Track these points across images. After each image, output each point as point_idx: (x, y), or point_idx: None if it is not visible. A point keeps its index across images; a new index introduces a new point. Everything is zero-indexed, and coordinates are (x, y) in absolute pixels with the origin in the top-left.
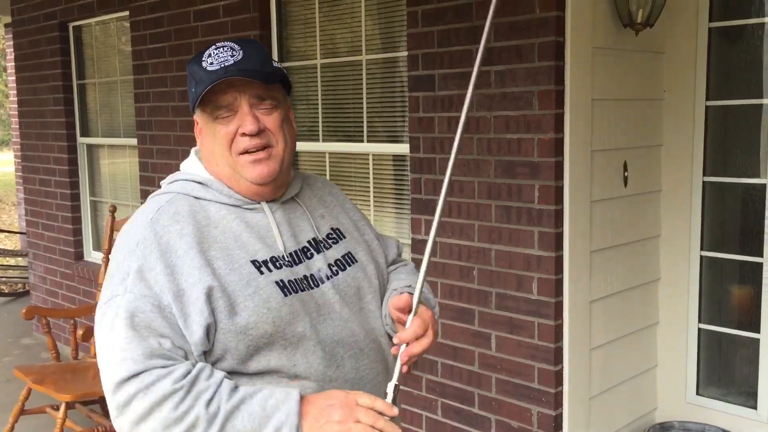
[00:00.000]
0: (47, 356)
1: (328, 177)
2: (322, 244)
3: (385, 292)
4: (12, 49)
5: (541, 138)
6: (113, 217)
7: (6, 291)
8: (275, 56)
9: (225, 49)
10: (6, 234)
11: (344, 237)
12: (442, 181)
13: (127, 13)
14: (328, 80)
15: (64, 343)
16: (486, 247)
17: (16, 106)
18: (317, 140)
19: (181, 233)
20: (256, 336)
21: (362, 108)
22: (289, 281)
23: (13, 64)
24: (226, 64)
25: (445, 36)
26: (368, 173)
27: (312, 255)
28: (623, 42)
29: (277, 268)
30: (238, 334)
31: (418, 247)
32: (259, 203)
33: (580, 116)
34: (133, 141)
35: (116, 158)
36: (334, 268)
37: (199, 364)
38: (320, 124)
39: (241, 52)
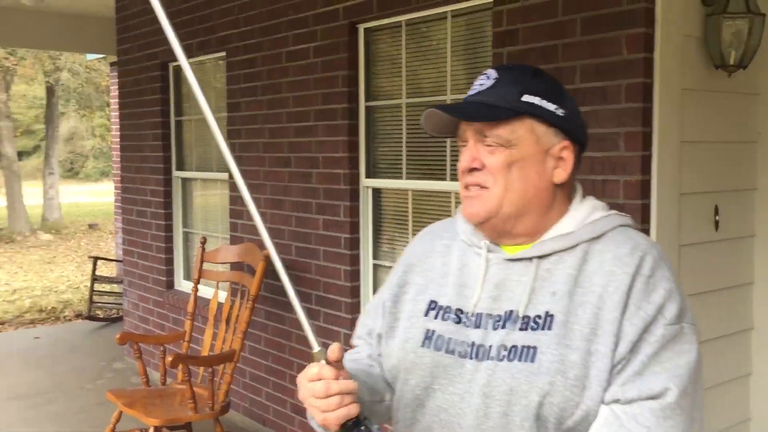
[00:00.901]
0: (137, 380)
1: (410, 214)
2: (517, 321)
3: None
4: (116, 86)
5: (627, 180)
6: (203, 249)
7: (101, 316)
8: (362, 95)
9: (483, 76)
10: (103, 261)
11: (551, 328)
12: None
13: (224, 53)
14: (413, 119)
15: (153, 369)
16: None
17: (118, 139)
18: (401, 178)
19: (413, 246)
20: (386, 366)
21: (446, 147)
22: (439, 336)
23: (117, 100)
24: (472, 92)
25: None
26: (450, 211)
27: (497, 327)
28: (715, 84)
29: (443, 319)
30: (384, 356)
31: None
32: (481, 248)
33: (667, 158)
34: (225, 175)
35: (208, 191)
36: (504, 353)
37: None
38: (404, 162)
39: (493, 80)
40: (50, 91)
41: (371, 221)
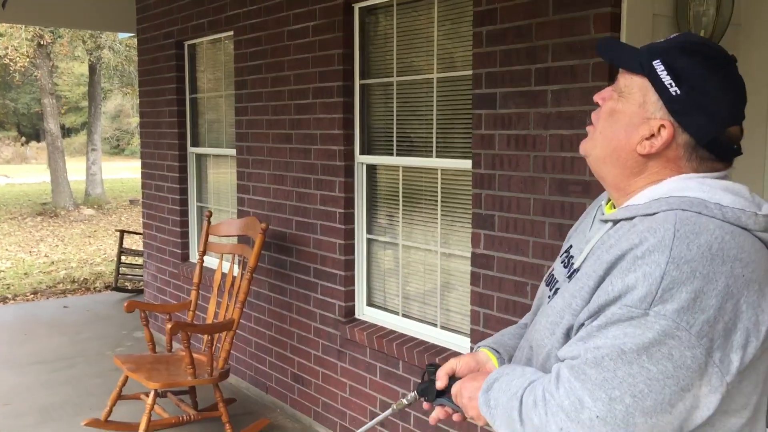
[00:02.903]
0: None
1: (401, 190)
2: (571, 270)
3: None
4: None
5: None
6: (209, 222)
7: (129, 287)
8: (357, 74)
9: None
10: (134, 234)
11: (570, 281)
12: (501, 197)
13: (231, 33)
14: (403, 97)
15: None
16: (540, 263)
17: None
18: (392, 154)
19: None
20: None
21: (432, 124)
22: (551, 274)
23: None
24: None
25: (506, 56)
26: (437, 187)
27: (564, 264)
28: None
29: (561, 261)
30: None
31: (477, 260)
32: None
33: None
34: (233, 151)
35: (220, 167)
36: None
37: None
38: (395, 139)
39: (662, 39)
40: (92, 69)
41: (365, 197)
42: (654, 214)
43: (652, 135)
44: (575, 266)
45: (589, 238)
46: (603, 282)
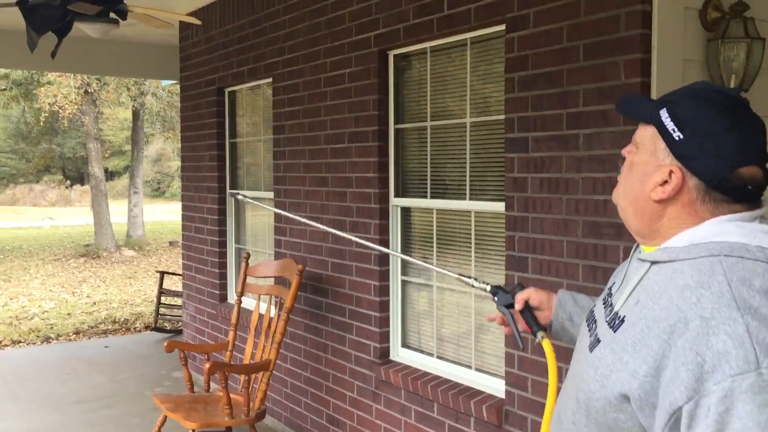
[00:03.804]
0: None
1: (435, 232)
2: (610, 314)
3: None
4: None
5: None
6: (247, 264)
7: (168, 327)
8: (391, 118)
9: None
10: (172, 275)
11: (616, 331)
12: (535, 240)
13: (270, 79)
14: (436, 140)
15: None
16: None
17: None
18: (426, 197)
19: None
20: None
21: (465, 167)
22: (591, 311)
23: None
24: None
25: (538, 101)
26: (470, 229)
27: (606, 315)
28: None
29: (603, 299)
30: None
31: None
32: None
33: None
34: (271, 194)
35: (257, 210)
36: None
37: None
38: (429, 182)
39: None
40: (136, 115)
41: (400, 238)
42: (694, 258)
43: (665, 181)
44: (616, 309)
45: (628, 277)
46: (673, 349)
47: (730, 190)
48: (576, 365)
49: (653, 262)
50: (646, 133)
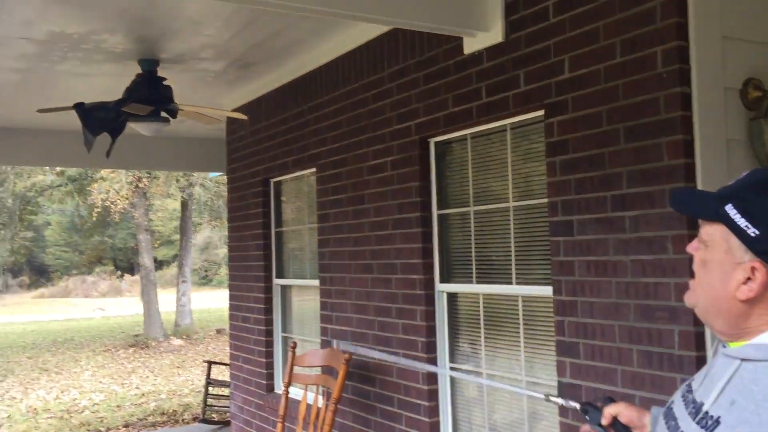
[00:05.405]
0: None
1: (482, 317)
2: (699, 413)
3: None
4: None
5: (677, 282)
6: (294, 353)
7: (216, 419)
8: (434, 204)
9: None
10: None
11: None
12: (585, 324)
13: (314, 169)
14: (480, 225)
15: None
16: (630, 393)
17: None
18: (471, 282)
19: None
20: None
21: (510, 251)
22: (669, 408)
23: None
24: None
25: (581, 184)
26: (518, 314)
27: (690, 413)
28: None
29: (682, 395)
30: None
31: (564, 390)
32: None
33: None
34: (317, 282)
35: (303, 297)
36: None
37: None
38: (474, 267)
39: (733, 181)
40: (184, 205)
41: (447, 325)
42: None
43: (749, 279)
44: (705, 408)
45: (714, 373)
46: None
47: None
48: None
49: (743, 359)
50: (714, 231)
